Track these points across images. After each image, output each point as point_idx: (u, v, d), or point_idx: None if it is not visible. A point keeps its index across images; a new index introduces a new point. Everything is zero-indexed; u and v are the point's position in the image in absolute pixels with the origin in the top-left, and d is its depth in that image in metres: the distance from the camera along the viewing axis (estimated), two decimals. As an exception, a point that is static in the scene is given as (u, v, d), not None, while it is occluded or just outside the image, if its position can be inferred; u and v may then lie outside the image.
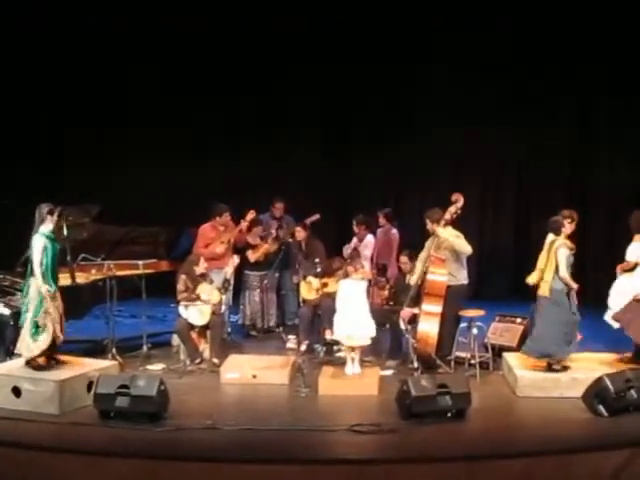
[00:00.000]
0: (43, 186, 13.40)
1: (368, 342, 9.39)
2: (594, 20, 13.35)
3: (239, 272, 11.63)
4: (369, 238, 11.73)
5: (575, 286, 8.90)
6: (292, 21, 13.94)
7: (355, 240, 11.74)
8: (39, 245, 8.54)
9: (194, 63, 14.22)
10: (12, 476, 7.05)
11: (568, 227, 9.19)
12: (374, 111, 14.47)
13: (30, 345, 8.53)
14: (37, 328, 8.53)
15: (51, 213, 8.67)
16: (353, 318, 9.24)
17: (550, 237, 9.11)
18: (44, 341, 8.53)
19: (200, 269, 10.27)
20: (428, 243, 9.94)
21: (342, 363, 9.51)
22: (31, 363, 8.58)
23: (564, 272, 8.86)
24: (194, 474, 7.03)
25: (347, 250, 11.58)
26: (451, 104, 14.24)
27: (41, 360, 8.62)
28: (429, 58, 13.97)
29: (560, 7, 13.35)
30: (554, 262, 8.91)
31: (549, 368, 8.90)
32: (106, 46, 13.93)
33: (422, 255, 9.99)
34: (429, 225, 9.84)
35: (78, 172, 14.29)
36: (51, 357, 8.71)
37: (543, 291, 8.99)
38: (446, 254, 9.72)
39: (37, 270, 8.50)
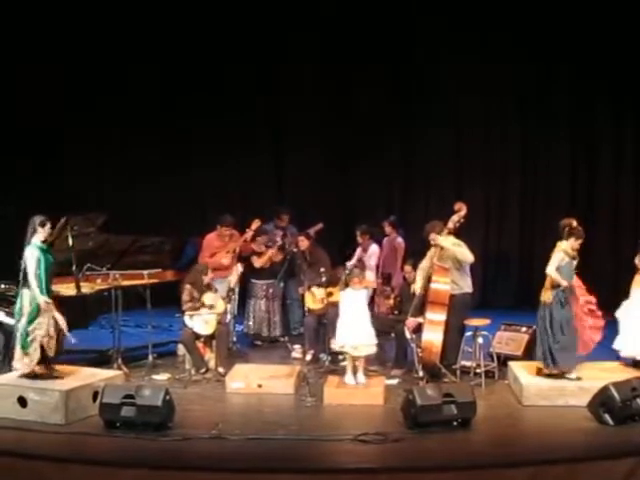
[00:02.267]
0: (44, 191, 13.50)
1: (373, 351, 9.39)
2: (597, 20, 13.40)
3: (244, 281, 11.63)
4: (373, 248, 11.73)
5: (565, 283, 8.84)
6: (294, 22, 14.03)
7: (359, 250, 11.74)
8: (33, 256, 8.47)
9: (196, 68, 14.24)
10: (18, 486, 7.08)
11: (575, 243, 9.08)
12: (377, 116, 14.43)
13: (21, 357, 8.51)
14: (26, 338, 8.47)
15: (42, 225, 8.58)
16: (355, 328, 9.22)
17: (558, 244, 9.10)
18: (33, 354, 8.47)
19: (207, 279, 10.28)
20: (430, 253, 9.92)
21: (348, 373, 9.52)
22: (28, 374, 8.56)
23: (552, 270, 8.85)
24: (200, 484, 7.05)
25: (350, 264, 11.55)
26: (455, 108, 14.29)
27: (38, 369, 8.58)
28: (431, 59, 13.99)
29: (567, 9, 13.40)
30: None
31: (561, 375, 8.90)
32: (107, 46, 13.98)
33: (423, 264, 9.96)
34: (432, 238, 9.80)
35: (79, 179, 14.35)
36: (49, 368, 8.65)
37: (545, 298, 8.98)
38: (448, 263, 9.71)
39: (33, 282, 8.42)
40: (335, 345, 9.43)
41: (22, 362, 8.53)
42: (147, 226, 12.66)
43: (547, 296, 8.94)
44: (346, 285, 9.56)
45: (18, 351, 8.55)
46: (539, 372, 9.01)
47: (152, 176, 14.33)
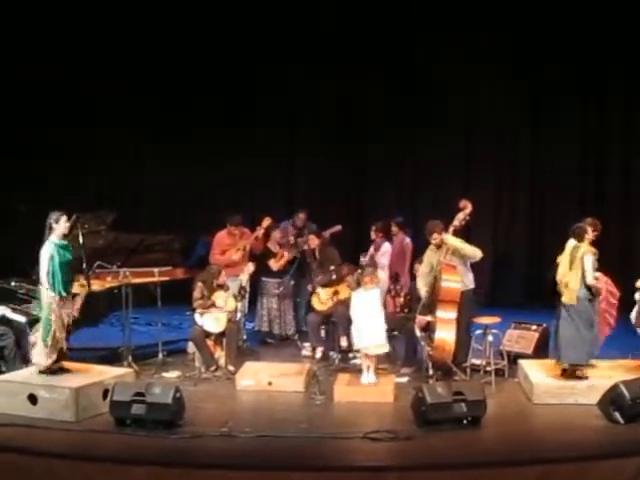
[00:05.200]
0: (57, 189, 13.51)
1: (386, 350, 9.38)
2: (608, 19, 13.34)
3: (256, 279, 11.62)
4: (386, 246, 11.69)
5: (601, 286, 8.89)
6: (311, 22, 14.03)
7: (371, 248, 11.71)
8: (45, 254, 8.54)
9: (207, 68, 14.25)
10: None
11: (591, 234, 9.09)
12: (385, 116, 14.42)
13: (42, 350, 8.57)
14: (48, 332, 8.53)
15: (57, 221, 8.62)
16: (369, 328, 9.20)
17: (572, 243, 9.01)
18: (52, 347, 8.55)
19: (219, 281, 10.29)
20: (429, 253, 9.85)
21: (358, 370, 9.51)
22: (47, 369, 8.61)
23: (591, 279, 8.80)
24: (210, 481, 7.06)
25: (364, 259, 11.55)
26: (464, 107, 14.27)
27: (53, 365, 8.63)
28: (439, 59, 13.95)
29: (572, 7, 13.35)
30: (580, 270, 8.81)
31: (573, 375, 8.84)
32: (108, 46, 13.98)
33: (423, 269, 9.90)
34: (436, 237, 9.74)
35: (87, 179, 14.39)
36: (58, 364, 8.71)
37: (569, 299, 8.86)
38: (454, 260, 9.66)
39: (43, 278, 8.52)
40: (344, 341, 9.43)
41: (44, 354, 8.56)
42: (158, 224, 12.69)
43: (571, 297, 8.83)
44: (358, 284, 9.53)
45: (40, 345, 8.60)
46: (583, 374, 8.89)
47: (163, 175, 14.38)
